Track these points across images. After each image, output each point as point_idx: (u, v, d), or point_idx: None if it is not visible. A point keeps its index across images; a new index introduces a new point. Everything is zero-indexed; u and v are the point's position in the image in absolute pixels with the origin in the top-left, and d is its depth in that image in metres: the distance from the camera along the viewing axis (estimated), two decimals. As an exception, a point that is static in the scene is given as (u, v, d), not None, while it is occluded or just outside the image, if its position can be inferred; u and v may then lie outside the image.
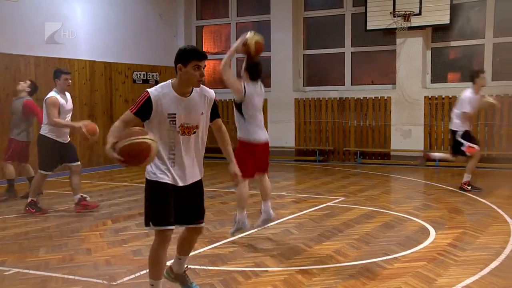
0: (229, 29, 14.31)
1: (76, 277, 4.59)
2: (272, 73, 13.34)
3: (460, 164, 11.23)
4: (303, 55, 13.47)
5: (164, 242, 3.70)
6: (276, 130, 12.87)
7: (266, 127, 5.91)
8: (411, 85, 11.95)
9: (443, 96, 11.69)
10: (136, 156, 3.35)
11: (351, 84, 12.95)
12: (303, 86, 13.50)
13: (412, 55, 11.90)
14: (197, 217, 3.85)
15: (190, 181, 3.74)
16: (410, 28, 11.61)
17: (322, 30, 13.36)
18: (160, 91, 3.60)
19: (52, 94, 6.94)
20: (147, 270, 3.85)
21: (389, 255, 5.09)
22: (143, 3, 13.44)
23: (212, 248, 5.45)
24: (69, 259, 5.14)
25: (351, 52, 12.89)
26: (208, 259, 5.06)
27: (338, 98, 12.70)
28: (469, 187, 8.42)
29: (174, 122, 3.59)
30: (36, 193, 7.27)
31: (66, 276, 4.63)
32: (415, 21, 11.56)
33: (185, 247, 4.06)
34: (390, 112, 12.17)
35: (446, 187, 8.95)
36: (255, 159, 5.51)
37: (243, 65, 5.58)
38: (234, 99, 5.58)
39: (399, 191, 9.16)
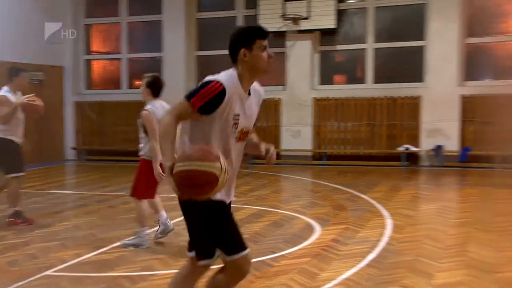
0: (119, 29, 13.93)
1: None
2: (164, 75, 13.15)
3: (346, 163, 11.89)
4: (196, 56, 13.45)
5: (201, 275, 3.20)
6: (169, 131, 12.71)
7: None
8: (300, 87, 12.38)
9: (330, 98, 12.24)
10: (196, 186, 2.62)
11: (244, 86, 13.13)
12: (196, 87, 13.45)
13: (301, 57, 12.33)
14: (244, 241, 3.07)
15: (232, 197, 3.12)
16: (300, 31, 12.02)
17: (215, 31, 13.43)
18: (232, 83, 2.85)
19: (2, 92, 6.43)
20: (24, 282, 3.64)
21: (276, 253, 5.22)
22: (26, -2, 12.66)
23: (98, 254, 5.27)
24: None
25: (243, 54, 13.07)
26: (93, 266, 4.90)
27: (230, 99, 12.82)
28: None
29: (236, 125, 2.90)
30: (17, 201, 6.57)
31: None
32: (304, 25, 11.99)
33: None
34: (280, 113, 12.53)
35: (332, 185, 9.36)
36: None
37: (144, 82, 5.40)
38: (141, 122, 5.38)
39: (288, 190, 9.45)
